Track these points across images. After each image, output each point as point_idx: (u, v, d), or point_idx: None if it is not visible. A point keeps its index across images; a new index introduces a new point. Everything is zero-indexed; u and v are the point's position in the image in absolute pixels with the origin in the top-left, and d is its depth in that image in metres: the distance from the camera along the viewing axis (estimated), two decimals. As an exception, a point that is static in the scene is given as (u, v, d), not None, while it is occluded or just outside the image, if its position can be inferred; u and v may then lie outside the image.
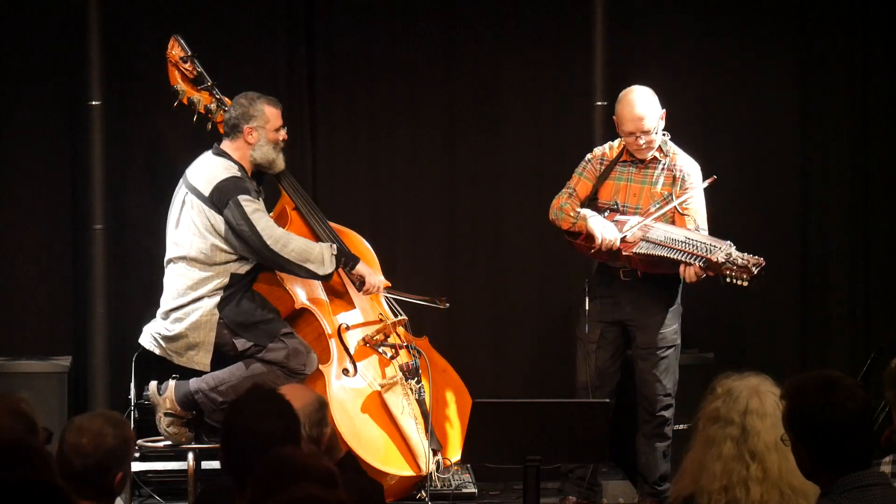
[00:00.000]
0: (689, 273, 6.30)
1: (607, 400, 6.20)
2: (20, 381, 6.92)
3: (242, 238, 6.35)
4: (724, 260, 6.18)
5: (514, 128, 7.74)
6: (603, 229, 6.47)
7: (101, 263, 7.21)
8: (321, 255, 6.41)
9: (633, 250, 6.42)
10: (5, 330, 7.42)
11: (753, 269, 6.14)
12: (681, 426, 6.68)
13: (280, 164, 6.61)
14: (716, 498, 3.73)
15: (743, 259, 6.16)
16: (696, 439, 3.86)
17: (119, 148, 7.36)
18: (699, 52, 7.77)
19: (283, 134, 6.59)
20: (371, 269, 6.65)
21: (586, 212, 6.58)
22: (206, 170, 6.48)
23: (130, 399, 6.64)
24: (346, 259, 6.54)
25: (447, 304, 6.90)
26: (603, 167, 6.70)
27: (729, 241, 6.32)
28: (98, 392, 7.15)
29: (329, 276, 6.48)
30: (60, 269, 7.47)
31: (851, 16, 7.83)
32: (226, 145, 6.56)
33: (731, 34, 7.79)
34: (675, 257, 6.31)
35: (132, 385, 6.65)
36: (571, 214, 6.60)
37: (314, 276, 6.45)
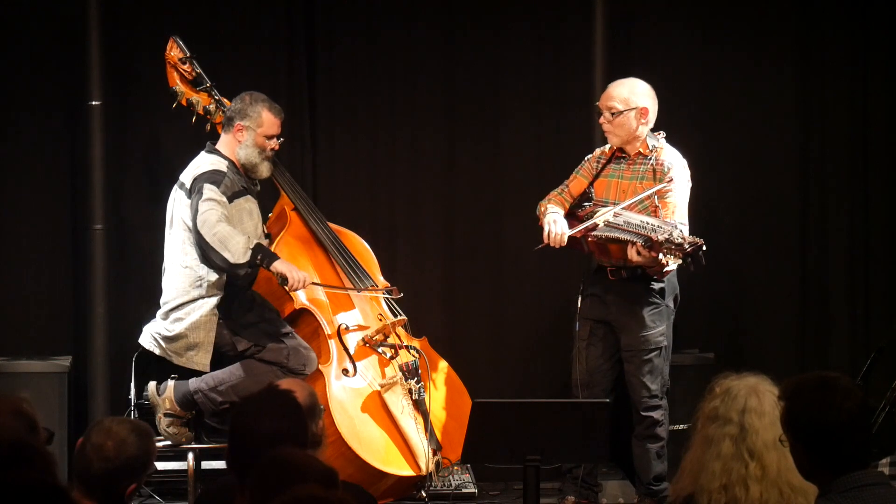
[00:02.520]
0: (631, 253, 6.33)
1: (607, 400, 6.20)
2: (20, 381, 6.91)
3: (194, 222, 6.35)
4: (664, 239, 6.22)
5: (513, 128, 7.74)
6: (552, 224, 6.56)
7: (101, 263, 7.21)
8: (237, 246, 6.25)
9: (595, 233, 6.47)
10: (5, 330, 7.42)
11: (687, 247, 6.18)
12: (680, 426, 6.69)
13: (264, 171, 6.58)
14: (715, 497, 3.74)
15: (680, 238, 6.21)
16: (695, 439, 3.87)
17: (119, 148, 7.37)
18: (699, 51, 7.77)
19: (273, 143, 6.56)
20: (292, 266, 6.39)
21: (550, 209, 6.67)
22: (195, 166, 6.51)
23: (130, 399, 6.64)
24: (263, 255, 6.30)
25: (400, 294, 6.83)
26: (600, 165, 6.75)
27: (675, 224, 6.36)
28: (98, 392, 7.15)
29: (240, 266, 6.28)
30: (60, 269, 7.47)
31: (851, 15, 7.83)
32: (220, 141, 6.58)
33: (730, 34, 7.79)
34: (625, 238, 6.35)
35: (132, 385, 6.65)
36: (542, 212, 6.69)
37: (227, 264, 6.26)
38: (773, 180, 7.87)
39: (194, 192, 6.38)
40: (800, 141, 7.87)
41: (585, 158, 6.83)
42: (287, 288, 6.36)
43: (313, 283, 6.52)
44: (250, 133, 6.52)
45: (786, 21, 7.84)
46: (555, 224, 6.56)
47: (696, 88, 7.74)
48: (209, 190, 6.34)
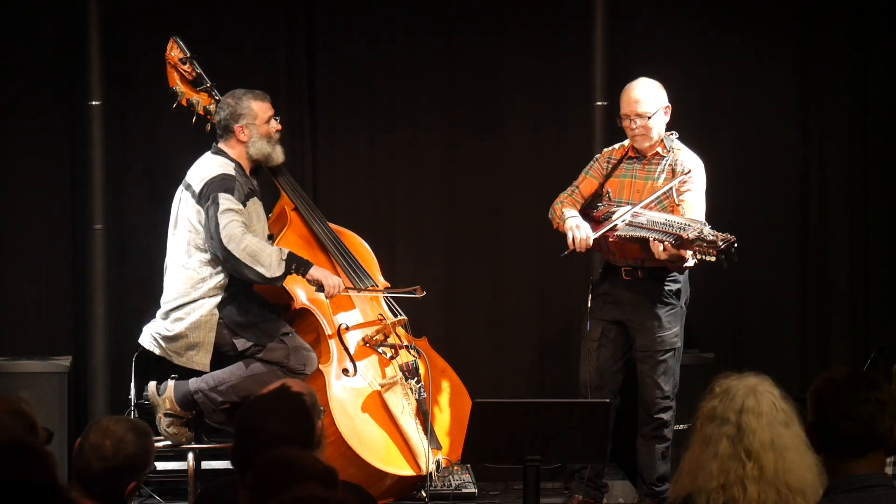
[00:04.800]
0: (656, 248, 6.29)
1: (607, 400, 6.20)
2: (20, 381, 6.92)
3: (210, 234, 6.34)
4: (694, 237, 6.18)
5: (513, 128, 7.74)
6: (575, 229, 6.51)
7: (101, 263, 7.21)
8: (270, 259, 6.28)
9: (618, 233, 6.44)
10: (5, 330, 7.42)
11: (721, 244, 6.14)
12: (681, 426, 6.68)
13: (277, 156, 6.59)
14: (714, 497, 3.73)
15: (712, 235, 6.18)
16: (694, 438, 3.86)
17: (119, 148, 7.37)
18: (699, 51, 7.78)
19: (275, 125, 6.57)
20: (327, 272, 6.46)
21: (566, 213, 6.62)
22: (202, 167, 6.49)
23: (130, 399, 6.64)
24: (297, 264, 6.36)
25: (423, 293, 6.83)
26: (610, 165, 6.72)
27: (703, 221, 6.33)
28: (98, 392, 7.15)
29: (277, 279, 6.33)
30: (60, 269, 7.47)
31: (852, 14, 7.83)
32: (223, 144, 6.56)
33: (731, 34, 7.79)
34: (651, 237, 6.32)
35: (132, 385, 6.65)
36: (558, 216, 6.64)
37: (262, 279, 6.31)
38: (773, 179, 7.86)
39: (205, 199, 6.35)
40: (800, 140, 7.86)
41: (594, 158, 6.80)
42: (323, 295, 6.42)
43: (346, 289, 6.56)
44: (252, 128, 6.52)
45: (786, 20, 7.84)
46: (578, 229, 6.51)
47: (696, 88, 7.74)
48: (225, 199, 6.32)
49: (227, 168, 6.46)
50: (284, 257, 6.30)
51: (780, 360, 7.67)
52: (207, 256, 6.41)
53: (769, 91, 7.82)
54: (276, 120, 6.58)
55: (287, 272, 6.31)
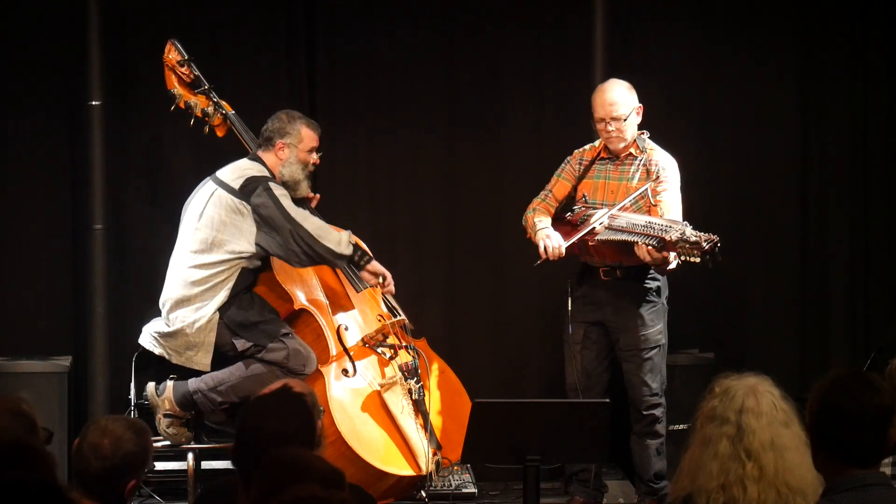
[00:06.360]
0: (641, 252, 6.30)
1: (608, 400, 6.20)
2: (20, 381, 6.92)
3: (268, 218, 6.33)
4: (677, 238, 6.17)
5: (513, 129, 7.74)
6: (546, 239, 6.53)
7: (101, 263, 7.21)
8: (339, 238, 6.42)
9: (597, 237, 6.45)
10: (5, 330, 7.42)
11: (705, 244, 6.11)
12: (679, 426, 6.68)
13: (304, 189, 6.63)
14: (714, 497, 3.74)
15: (695, 236, 6.16)
16: (694, 438, 3.87)
17: (119, 148, 7.37)
18: (699, 52, 7.78)
19: (315, 158, 6.61)
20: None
21: (538, 223, 6.63)
22: (238, 168, 6.51)
23: (130, 399, 6.65)
24: (363, 253, 6.52)
25: (407, 325, 6.85)
26: (582, 167, 6.74)
27: (685, 222, 6.32)
28: (98, 392, 7.16)
29: (344, 258, 6.44)
30: (60, 269, 7.47)
31: (851, 15, 7.84)
32: (261, 153, 6.58)
33: (730, 34, 7.80)
34: (633, 240, 6.32)
35: (132, 385, 6.65)
36: (530, 226, 6.68)
37: (331, 253, 6.39)
38: (773, 180, 7.87)
39: (249, 192, 6.37)
40: (800, 141, 7.87)
41: (565, 160, 6.82)
42: (383, 288, 6.62)
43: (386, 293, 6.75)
44: (292, 150, 6.54)
45: (786, 21, 7.84)
46: (549, 239, 6.54)
47: (696, 89, 7.75)
48: (276, 187, 6.41)
49: (264, 172, 6.49)
50: (352, 242, 6.47)
51: (780, 360, 7.67)
52: (220, 256, 6.39)
53: (769, 91, 7.83)
54: (318, 155, 6.61)
55: (353, 254, 6.45)
